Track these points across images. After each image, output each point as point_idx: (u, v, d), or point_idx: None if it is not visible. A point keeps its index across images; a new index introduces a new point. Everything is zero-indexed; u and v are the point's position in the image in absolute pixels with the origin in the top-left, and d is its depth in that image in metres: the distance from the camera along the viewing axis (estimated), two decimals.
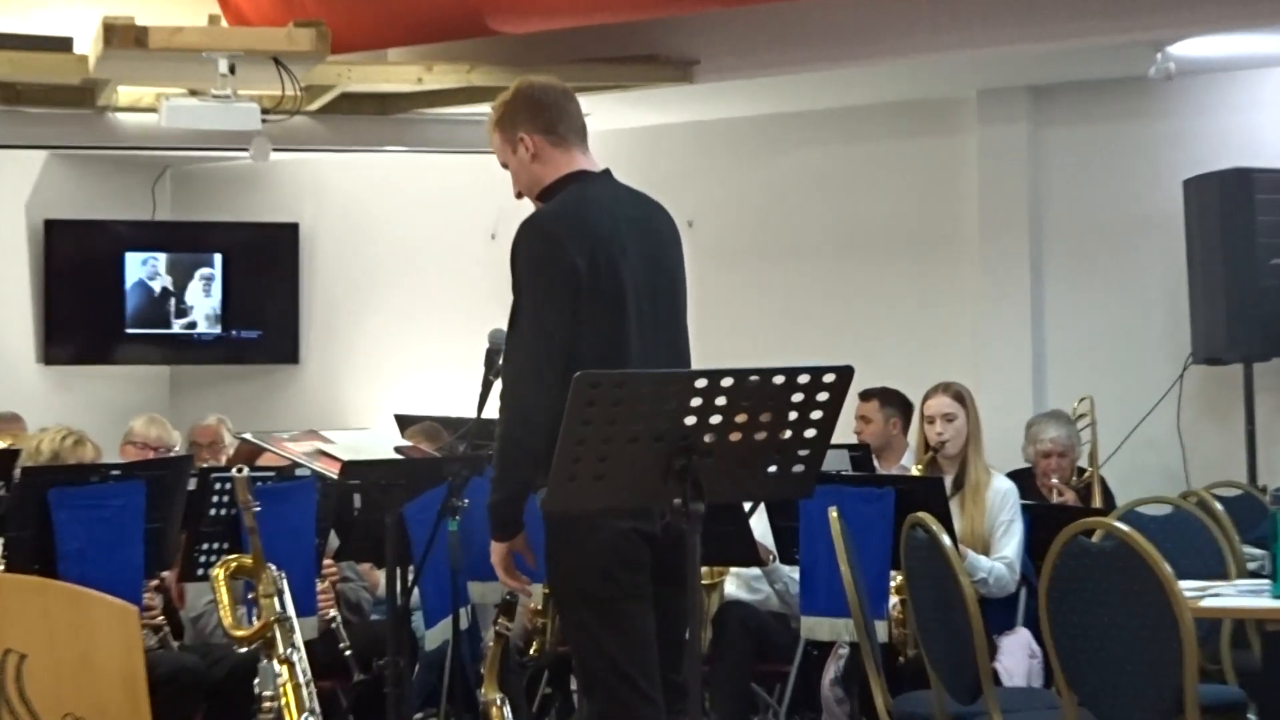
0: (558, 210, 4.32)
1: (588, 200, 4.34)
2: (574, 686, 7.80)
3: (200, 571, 5.69)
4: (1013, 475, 7.17)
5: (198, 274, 10.44)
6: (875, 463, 7.65)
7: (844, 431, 6.83)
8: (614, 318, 4.24)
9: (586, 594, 4.21)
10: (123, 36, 7.33)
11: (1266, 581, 4.90)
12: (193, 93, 8.34)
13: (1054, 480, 7.64)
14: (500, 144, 4.48)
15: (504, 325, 4.83)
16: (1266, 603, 4.80)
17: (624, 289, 4.25)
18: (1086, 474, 7.93)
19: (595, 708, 4.27)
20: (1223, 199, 7.89)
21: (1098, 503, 7.67)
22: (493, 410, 5.07)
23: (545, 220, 4.29)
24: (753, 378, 3.60)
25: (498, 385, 5.04)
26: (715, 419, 3.57)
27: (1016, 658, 6.20)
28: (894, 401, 7.86)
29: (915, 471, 6.61)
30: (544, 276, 4.21)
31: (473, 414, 5.25)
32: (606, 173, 4.48)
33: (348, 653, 6.11)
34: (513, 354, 4.26)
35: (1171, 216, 8.25)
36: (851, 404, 7.61)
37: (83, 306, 10.29)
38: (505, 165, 4.51)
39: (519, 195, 4.51)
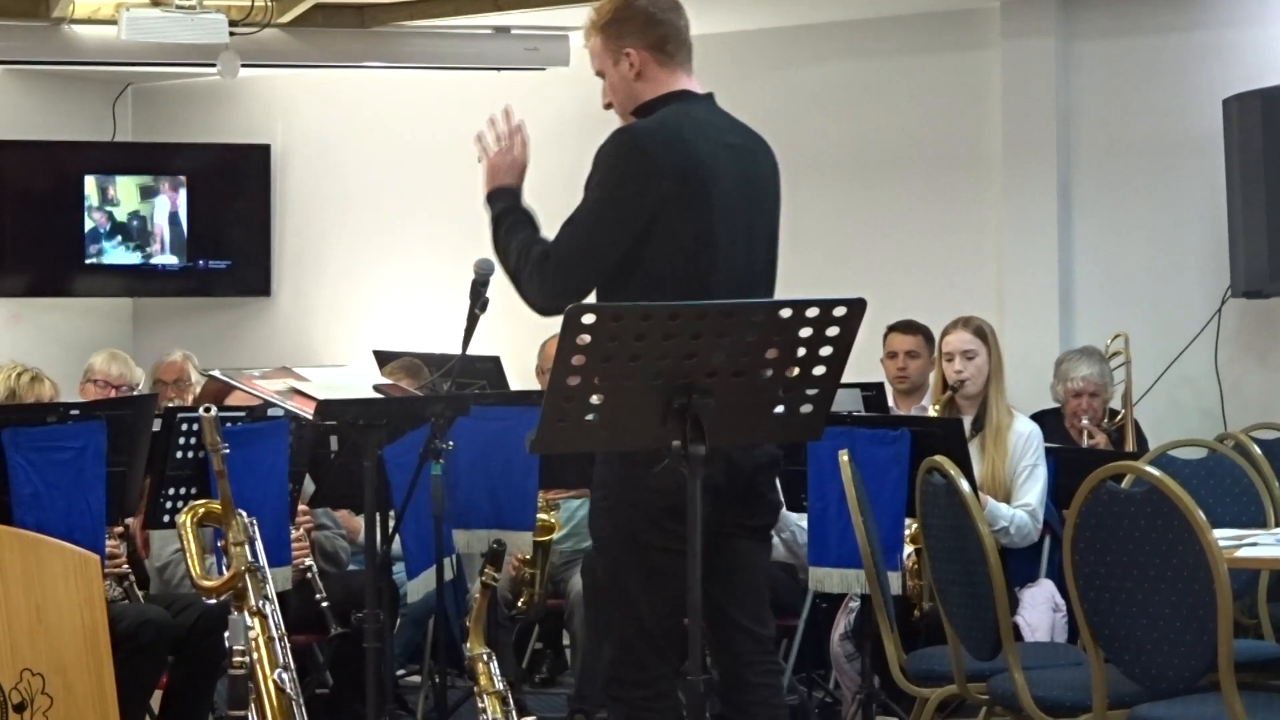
0: (654, 127, 4.32)
1: (687, 120, 4.35)
2: (566, 642, 7.85)
3: (166, 518, 5.70)
4: (1037, 416, 7.20)
5: None
6: (890, 403, 7.67)
7: (864, 369, 6.82)
8: (700, 243, 4.25)
9: (628, 536, 4.24)
10: None
11: None
12: (155, 3, 8.33)
13: (1084, 422, 7.66)
14: (600, 51, 4.46)
15: (490, 255, 4.84)
16: None
17: (713, 215, 4.26)
18: (1119, 416, 7.95)
19: (608, 655, 4.32)
20: (1266, 119, 7.87)
21: (1130, 446, 7.68)
22: (477, 347, 5.10)
23: (640, 134, 4.31)
24: (757, 311, 3.60)
25: (484, 320, 5.07)
26: (717, 356, 3.58)
27: (1039, 611, 6.24)
28: (931, 337, 7.83)
29: (932, 412, 6.62)
30: (621, 191, 4.24)
31: (457, 350, 5.26)
32: (710, 96, 4.49)
33: (324, 605, 6.14)
34: (556, 245, 4.29)
35: (1210, 137, 8.23)
36: (874, 339, 7.61)
37: (38, 234, 10.28)
38: (600, 74, 4.49)
39: (608, 106, 4.51)
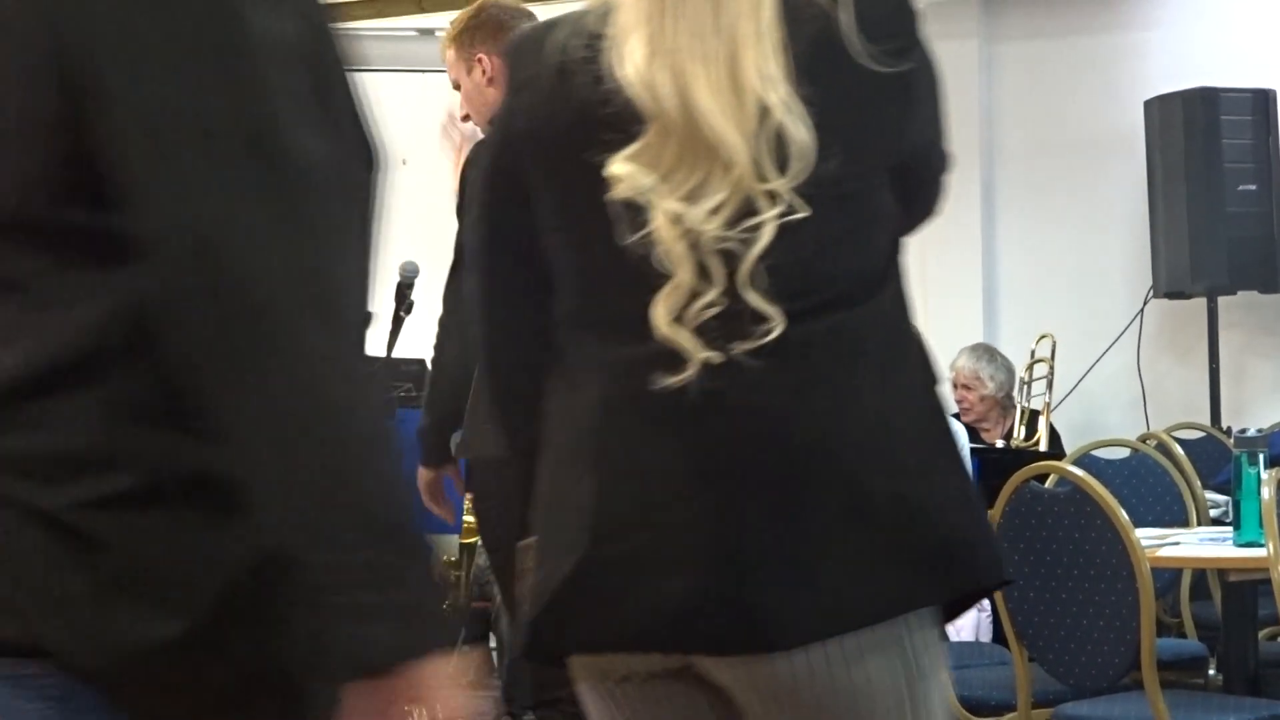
0: None
1: None
2: (492, 644, 7.83)
3: None
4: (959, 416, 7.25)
5: None
6: None
7: None
8: None
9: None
10: None
11: (1229, 529, 4.95)
12: None
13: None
14: (455, 61, 4.49)
15: (415, 256, 4.84)
16: (1229, 552, 4.83)
17: None
18: (1016, 412, 7.97)
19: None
20: (1187, 120, 7.92)
21: (1043, 448, 7.71)
22: (402, 349, 5.09)
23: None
24: None
25: (408, 321, 5.07)
26: None
27: None
28: None
29: None
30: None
31: (381, 353, 5.25)
32: None
33: None
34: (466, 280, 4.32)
35: (1132, 139, 8.28)
36: None
37: None
38: (457, 86, 4.51)
39: (465, 118, 4.53)
